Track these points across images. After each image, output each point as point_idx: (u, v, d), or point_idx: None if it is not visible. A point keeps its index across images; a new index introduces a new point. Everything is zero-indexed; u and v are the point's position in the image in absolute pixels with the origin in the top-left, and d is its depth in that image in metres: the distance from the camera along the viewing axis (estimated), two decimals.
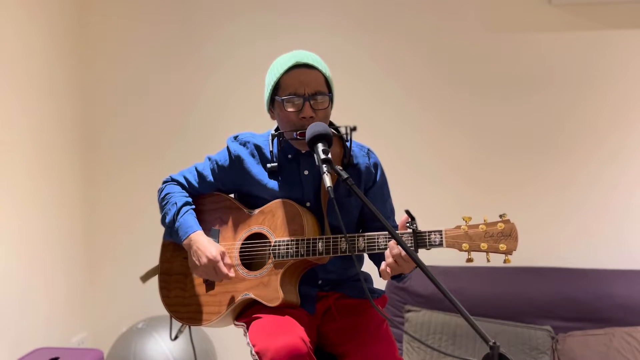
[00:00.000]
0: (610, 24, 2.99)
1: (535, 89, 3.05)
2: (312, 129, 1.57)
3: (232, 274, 1.69)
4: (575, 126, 3.04)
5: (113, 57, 3.28)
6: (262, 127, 1.86)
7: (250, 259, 1.74)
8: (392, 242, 1.55)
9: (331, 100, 1.71)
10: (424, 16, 3.10)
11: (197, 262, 1.69)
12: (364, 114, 3.07)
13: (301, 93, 1.65)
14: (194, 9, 3.22)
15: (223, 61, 3.21)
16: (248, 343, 1.62)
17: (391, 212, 1.85)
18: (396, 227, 1.63)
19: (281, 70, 1.67)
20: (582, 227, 3.04)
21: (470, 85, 3.09)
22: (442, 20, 3.10)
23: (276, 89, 1.69)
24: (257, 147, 1.78)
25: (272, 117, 1.77)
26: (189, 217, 1.75)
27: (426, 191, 3.10)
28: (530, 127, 3.07)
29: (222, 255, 1.69)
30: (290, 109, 1.66)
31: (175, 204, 1.77)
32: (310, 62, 1.67)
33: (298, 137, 1.64)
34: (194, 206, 1.80)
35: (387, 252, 1.56)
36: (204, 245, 1.69)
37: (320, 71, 1.68)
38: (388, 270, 1.55)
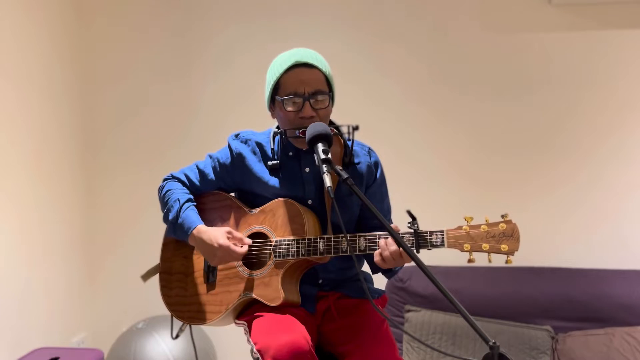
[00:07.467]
0: (610, 24, 3.00)
1: (535, 88, 3.06)
2: (312, 129, 1.57)
3: (245, 248, 1.67)
4: (575, 126, 3.04)
5: (113, 59, 3.27)
6: (263, 129, 1.85)
7: (251, 258, 1.74)
8: (385, 240, 1.56)
9: (332, 98, 1.70)
10: (424, 16, 3.10)
11: (211, 253, 1.68)
12: (363, 115, 3.06)
13: (301, 93, 1.64)
14: (196, 11, 3.22)
15: (224, 64, 3.21)
16: (249, 341, 1.62)
17: (388, 211, 1.86)
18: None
19: (281, 70, 1.66)
20: (582, 227, 3.04)
21: (470, 84, 3.09)
22: (442, 20, 3.10)
23: (276, 88, 1.69)
24: (259, 145, 1.77)
25: (273, 116, 1.77)
26: (191, 213, 1.74)
27: (426, 191, 3.10)
28: (530, 126, 3.07)
29: (229, 234, 1.68)
30: (290, 109, 1.66)
31: (178, 200, 1.76)
32: (310, 60, 1.66)
33: (300, 135, 1.64)
34: (195, 203, 1.79)
35: (381, 244, 1.56)
36: (211, 234, 1.68)
37: (320, 70, 1.67)
38: (382, 261, 1.57)
